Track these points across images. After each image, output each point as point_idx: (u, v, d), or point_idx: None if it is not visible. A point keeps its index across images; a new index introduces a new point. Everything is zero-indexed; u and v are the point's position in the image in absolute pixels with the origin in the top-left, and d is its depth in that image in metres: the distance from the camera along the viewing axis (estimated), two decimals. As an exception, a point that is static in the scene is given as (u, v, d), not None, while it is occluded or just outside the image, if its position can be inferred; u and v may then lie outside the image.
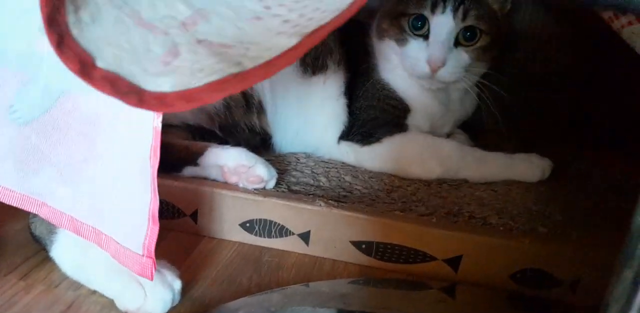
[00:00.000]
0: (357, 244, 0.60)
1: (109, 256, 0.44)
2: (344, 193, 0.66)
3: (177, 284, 0.49)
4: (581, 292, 0.56)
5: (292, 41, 0.31)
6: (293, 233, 0.61)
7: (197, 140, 0.68)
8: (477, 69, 0.77)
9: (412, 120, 0.79)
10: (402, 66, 0.76)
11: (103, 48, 0.30)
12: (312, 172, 0.72)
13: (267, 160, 0.65)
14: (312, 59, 0.76)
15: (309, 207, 0.60)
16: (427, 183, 0.72)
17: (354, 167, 0.77)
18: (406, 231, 0.58)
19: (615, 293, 0.31)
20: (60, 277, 0.51)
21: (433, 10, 0.72)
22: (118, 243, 0.43)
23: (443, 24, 0.71)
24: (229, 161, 0.62)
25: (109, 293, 0.49)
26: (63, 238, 0.50)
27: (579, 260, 0.55)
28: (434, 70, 0.71)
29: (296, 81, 0.76)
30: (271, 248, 0.62)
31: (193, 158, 0.63)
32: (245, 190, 0.62)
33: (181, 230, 0.63)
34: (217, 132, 0.72)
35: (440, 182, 0.73)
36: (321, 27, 0.32)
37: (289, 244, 0.62)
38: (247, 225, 0.62)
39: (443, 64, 0.71)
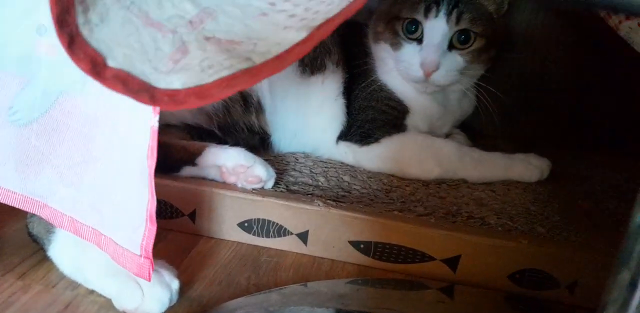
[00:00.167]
0: (355, 244, 0.60)
1: (107, 256, 0.44)
2: (343, 193, 0.66)
3: (175, 284, 0.49)
4: (579, 293, 0.56)
5: (301, 35, 0.31)
6: (291, 233, 0.61)
7: (195, 139, 0.68)
8: (473, 71, 0.77)
9: (411, 121, 0.79)
10: (396, 70, 0.76)
11: (113, 48, 0.31)
12: (311, 172, 0.72)
13: (266, 160, 0.65)
14: (310, 59, 0.76)
15: (307, 206, 0.60)
16: (426, 183, 0.72)
17: (352, 167, 0.77)
18: (405, 231, 0.58)
19: (612, 294, 0.31)
20: (58, 276, 0.51)
21: (426, 15, 0.71)
22: (117, 244, 0.43)
23: (436, 28, 0.71)
24: (227, 161, 0.62)
25: (106, 293, 0.49)
26: (61, 238, 0.50)
27: (577, 261, 0.55)
28: (427, 74, 0.71)
29: (295, 81, 0.76)
30: (269, 248, 0.62)
31: (191, 158, 0.62)
32: (243, 190, 0.62)
33: (179, 230, 0.63)
34: (216, 131, 0.72)
35: (439, 182, 0.73)
36: (329, 20, 0.32)
37: (287, 244, 0.62)
38: (246, 225, 0.62)
39: (437, 67, 0.71)
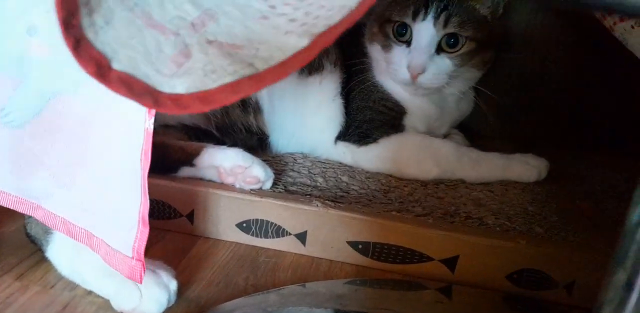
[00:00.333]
0: (353, 244, 0.60)
1: (102, 258, 0.44)
2: (341, 194, 0.66)
3: (173, 285, 0.49)
4: (577, 294, 0.56)
5: (304, 41, 0.31)
6: (290, 234, 0.61)
7: (193, 140, 0.68)
8: (467, 74, 0.77)
9: (408, 121, 0.79)
10: (387, 71, 0.76)
11: (118, 50, 0.31)
12: (309, 172, 0.72)
13: (264, 160, 0.65)
14: None
15: (305, 207, 0.60)
16: (424, 183, 0.72)
17: (351, 167, 0.77)
18: (403, 231, 0.58)
19: (608, 294, 0.31)
20: (56, 277, 0.51)
21: (414, 18, 0.71)
22: (109, 245, 0.43)
23: (424, 31, 0.71)
24: (225, 162, 0.62)
25: (104, 293, 0.49)
26: (59, 239, 0.50)
27: (575, 261, 0.55)
28: (414, 77, 0.72)
29: (293, 82, 0.76)
30: (268, 249, 0.62)
31: (189, 158, 0.62)
32: (241, 191, 0.62)
33: (177, 231, 0.63)
34: (214, 132, 0.72)
35: (437, 182, 0.73)
36: (332, 28, 0.32)
37: (286, 244, 0.62)
38: (244, 225, 0.62)
39: (423, 70, 0.71)
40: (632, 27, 0.52)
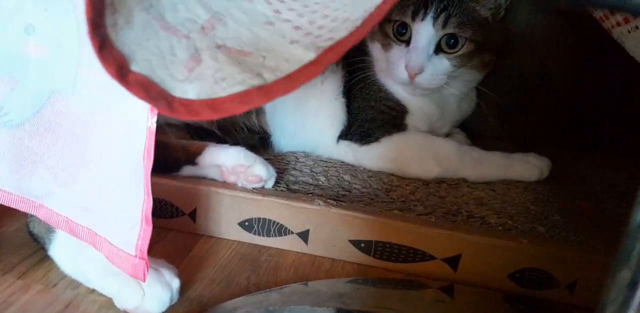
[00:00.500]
0: (356, 243, 0.60)
1: (105, 256, 0.44)
2: (343, 193, 0.66)
3: (176, 283, 0.49)
4: (579, 293, 0.56)
5: (310, 55, 0.31)
6: (292, 233, 0.61)
7: (195, 139, 0.68)
8: (467, 75, 0.77)
9: (410, 120, 0.79)
10: (386, 71, 0.76)
11: (136, 51, 0.30)
12: (311, 171, 0.72)
13: (266, 159, 0.65)
14: None
15: (307, 206, 0.60)
16: (426, 182, 0.72)
17: (353, 166, 0.77)
18: (405, 230, 0.58)
19: (611, 294, 0.31)
20: (58, 276, 0.51)
21: (414, 18, 0.71)
22: (111, 244, 0.43)
23: (423, 31, 0.71)
24: (227, 160, 0.62)
25: (107, 292, 0.49)
26: (62, 237, 0.50)
27: (577, 261, 0.55)
28: (411, 77, 0.71)
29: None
30: (270, 248, 0.62)
31: (191, 157, 0.63)
32: (244, 189, 0.62)
33: (179, 230, 0.63)
34: (216, 131, 0.72)
35: (439, 181, 0.73)
36: (339, 43, 0.32)
37: (288, 243, 0.62)
38: (246, 224, 0.62)
39: (420, 70, 0.71)
40: (629, 31, 0.52)
